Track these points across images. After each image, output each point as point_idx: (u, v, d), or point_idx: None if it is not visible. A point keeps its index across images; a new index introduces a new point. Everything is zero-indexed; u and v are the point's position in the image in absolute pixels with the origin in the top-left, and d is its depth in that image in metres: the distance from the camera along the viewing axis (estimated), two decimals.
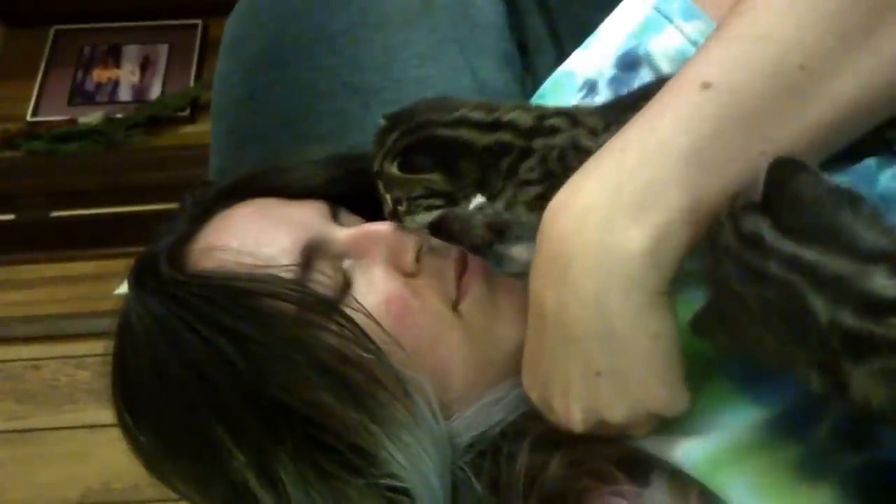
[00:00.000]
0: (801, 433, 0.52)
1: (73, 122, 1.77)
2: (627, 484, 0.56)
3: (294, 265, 0.60)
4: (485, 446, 0.60)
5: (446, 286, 0.62)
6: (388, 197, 0.61)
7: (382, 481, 0.57)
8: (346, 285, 0.61)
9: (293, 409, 0.56)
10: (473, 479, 0.59)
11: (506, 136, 0.58)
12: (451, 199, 0.59)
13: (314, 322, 0.58)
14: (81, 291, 1.58)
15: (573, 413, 0.53)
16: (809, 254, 0.42)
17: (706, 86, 0.49)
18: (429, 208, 0.59)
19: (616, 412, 0.52)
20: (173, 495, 0.65)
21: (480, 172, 0.58)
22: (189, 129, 1.75)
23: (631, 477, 0.56)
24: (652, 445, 0.56)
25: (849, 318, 0.41)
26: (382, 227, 0.63)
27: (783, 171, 0.45)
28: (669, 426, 0.54)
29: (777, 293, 0.43)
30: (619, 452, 0.57)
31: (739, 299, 0.45)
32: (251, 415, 0.56)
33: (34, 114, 1.79)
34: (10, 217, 1.73)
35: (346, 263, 0.62)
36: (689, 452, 0.54)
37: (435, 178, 0.58)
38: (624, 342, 0.50)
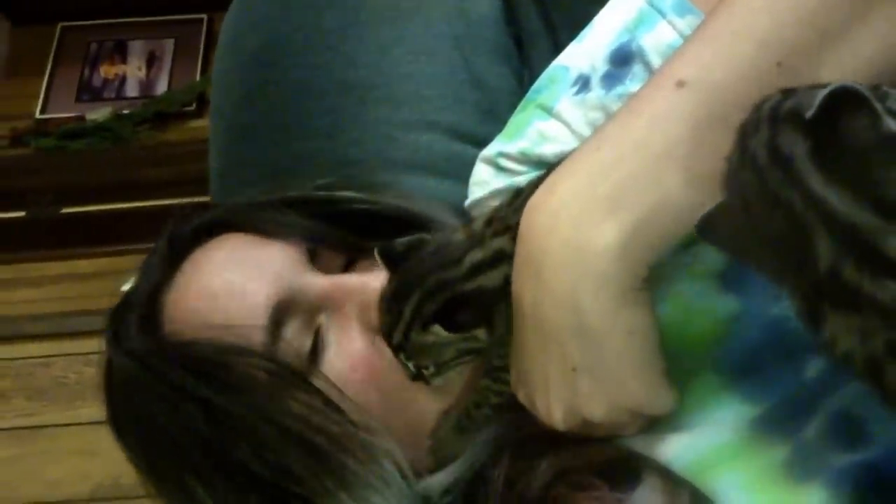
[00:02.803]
0: (790, 431, 0.52)
1: (81, 118, 1.79)
2: (610, 491, 0.55)
3: (262, 326, 0.60)
4: (460, 490, 0.60)
5: None
6: (409, 364, 0.58)
7: None
8: (315, 348, 0.61)
9: (258, 474, 0.57)
10: None
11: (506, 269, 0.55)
12: (480, 354, 0.57)
13: (282, 392, 0.58)
14: (90, 288, 1.59)
15: (554, 411, 0.53)
16: (834, 198, 0.40)
17: (682, 84, 0.49)
18: (456, 366, 0.57)
19: (595, 410, 0.52)
20: None
21: (507, 310, 0.55)
22: (196, 123, 1.76)
23: (616, 482, 0.56)
24: (641, 444, 0.55)
25: (848, 269, 0.40)
26: (354, 280, 0.63)
27: (842, 102, 0.40)
28: (658, 424, 0.54)
29: (787, 223, 0.41)
30: (607, 455, 0.56)
31: (749, 212, 0.43)
32: (219, 474, 0.58)
33: (43, 111, 1.81)
34: (21, 214, 1.74)
35: (321, 318, 0.62)
36: (678, 451, 0.54)
37: (480, 335, 0.55)
38: (598, 339, 0.50)
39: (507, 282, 0.54)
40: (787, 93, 0.43)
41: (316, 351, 0.61)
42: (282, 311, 0.61)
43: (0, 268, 1.70)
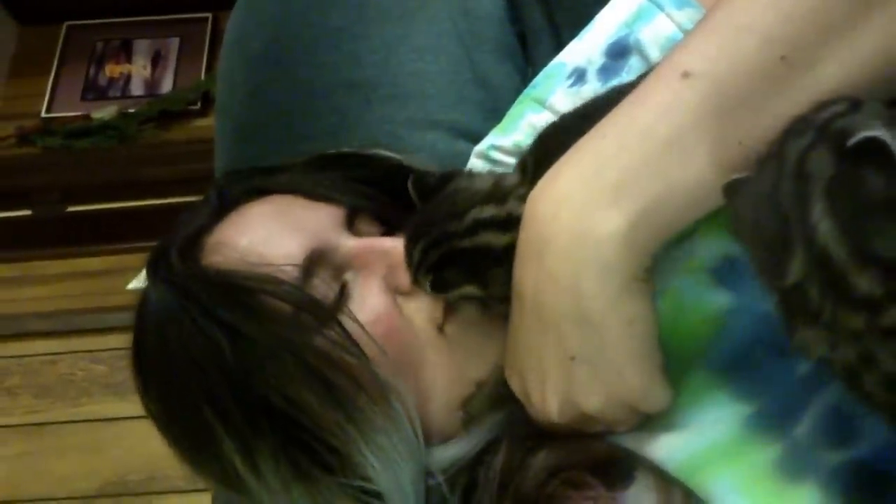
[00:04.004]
0: (781, 430, 0.52)
1: (86, 117, 1.79)
2: (604, 490, 0.56)
3: (294, 266, 0.61)
4: (461, 466, 0.61)
5: (436, 308, 0.62)
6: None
7: (355, 483, 0.58)
8: (341, 295, 0.62)
9: (275, 405, 0.58)
10: (447, 489, 0.60)
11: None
12: (480, 303, 0.59)
13: (305, 323, 0.59)
14: (96, 286, 1.60)
15: (549, 401, 0.54)
16: (825, 228, 0.41)
17: (687, 75, 0.49)
18: (460, 313, 0.61)
19: (591, 400, 0.52)
20: (186, 486, 0.67)
21: (509, 274, 0.56)
22: (201, 122, 1.76)
23: (610, 481, 0.56)
24: (633, 442, 0.55)
25: (813, 293, 0.42)
26: (387, 243, 0.63)
27: (880, 151, 0.41)
28: (651, 422, 0.54)
29: (778, 230, 0.43)
30: (601, 453, 0.57)
31: (757, 200, 0.45)
32: (237, 405, 0.58)
33: (48, 110, 1.81)
34: (27, 213, 1.75)
35: (348, 275, 0.63)
36: (671, 451, 0.54)
37: (470, 290, 0.58)
38: (598, 326, 0.50)
39: (511, 246, 0.55)
40: (856, 106, 0.44)
41: (344, 295, 0.62)
42: (313, 261, 0.62)
43: (6, 266, 1.70)
